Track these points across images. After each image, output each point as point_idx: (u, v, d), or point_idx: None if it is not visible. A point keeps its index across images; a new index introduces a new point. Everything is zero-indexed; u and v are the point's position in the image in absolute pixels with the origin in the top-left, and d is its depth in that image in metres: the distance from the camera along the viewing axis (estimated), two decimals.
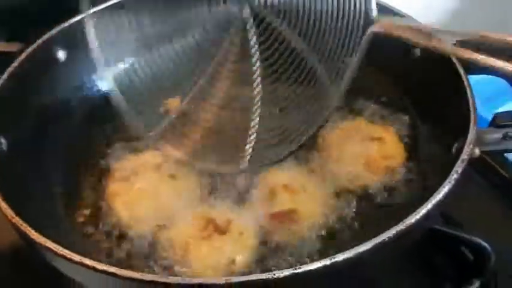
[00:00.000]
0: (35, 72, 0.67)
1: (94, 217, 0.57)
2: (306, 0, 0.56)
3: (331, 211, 0.56)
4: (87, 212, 0.58)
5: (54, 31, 0.70)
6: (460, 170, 0.46)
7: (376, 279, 0.56)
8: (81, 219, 0.58)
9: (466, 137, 0.49)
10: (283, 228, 0.53)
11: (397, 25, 0.49)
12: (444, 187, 0.45)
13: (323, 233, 0.54)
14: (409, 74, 0.65)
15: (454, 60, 0.58)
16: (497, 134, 0.52)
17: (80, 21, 0.72)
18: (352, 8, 0.52)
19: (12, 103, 0.62)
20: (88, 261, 0.40)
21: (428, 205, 0.43)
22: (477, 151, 0.51)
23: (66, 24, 0.71)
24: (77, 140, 0.67)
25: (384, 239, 0.40)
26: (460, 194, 0.66)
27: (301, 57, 0.57)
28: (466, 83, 0.55)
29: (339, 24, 0.53)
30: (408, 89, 0.66)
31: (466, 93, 0.54)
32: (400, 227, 0.41)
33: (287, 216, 0.54)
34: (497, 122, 0.51)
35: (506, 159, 0.73)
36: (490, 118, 0.85)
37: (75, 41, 0.72)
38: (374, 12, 0.51)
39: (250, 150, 0.55)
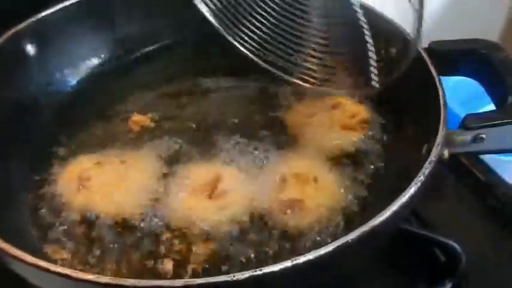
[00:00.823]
0: (3, 67, 0.65)
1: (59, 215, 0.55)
2: None
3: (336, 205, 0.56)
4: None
5: (23, 24, 0.68)
6: (426, 172, 0.45)
7: (347, 280, 0.56)
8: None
9: (435, 138, 0.49)
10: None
11: None
12: (410, 189, 0.44)
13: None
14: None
15: (427, 60, 0.58)
16: (467, 136, 0.51)
17: (51, 15, 0.71)
18: None
19: None
20: (42, 263, 0.39)
21: (393, 207, 0.42)
22: (446, 153, 0.50)
23: (35, 17, 0.69)
24: (43, 139, 0.65)
25: (347, 241, 0.40)
26: (434, 194, 0.67)
27: None
28: (438, 83, 0.55)
29: None
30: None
31: (437, 94, 0.54)
32: (364, 229, 0.40)
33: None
34: (466, 123, 0.51)
35: (481, 160, 0.74)
36: None
37: (46, 34, 0.71)
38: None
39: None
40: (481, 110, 0.90)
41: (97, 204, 0.53)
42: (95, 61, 0.75)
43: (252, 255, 0.50)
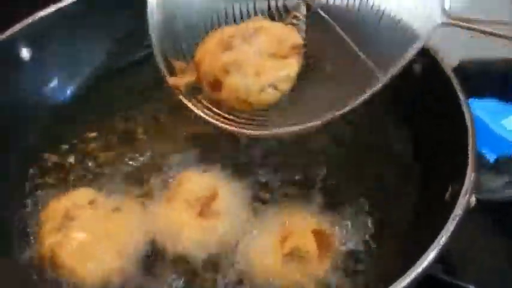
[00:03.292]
0: None
1: None
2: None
3: None
4: None
5: (17, 27, 0.64)
6: (452, 228, 0.40)
7: None
8: None
9: (462, 184, 0.43)
10: None
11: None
12: (432, 251, 0.39)
13: None
14: (405, 94, 0.58)
15: (455, 83, 0.51)
16: (499, 181, 0.45)
17: (48, 16, 0.66)
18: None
19: None
20: None
21: (412, 274, 0.37)
22: (474, 200, 0.45)
23: (31, 19, 0.64)
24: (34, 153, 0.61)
25: None
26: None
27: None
28: (467, 115, 0.48)
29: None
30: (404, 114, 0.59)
31: (465, 126, 0.47)
32: None
33: None
34: (499, 167, 0.45)
35: None
36: (497, 131, 0.79)
37: (42, 38, 0.66)
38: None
39: None
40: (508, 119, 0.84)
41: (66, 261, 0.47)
42: (94, 66, 0.70)
43: None
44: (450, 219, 0.40)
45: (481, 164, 0.46)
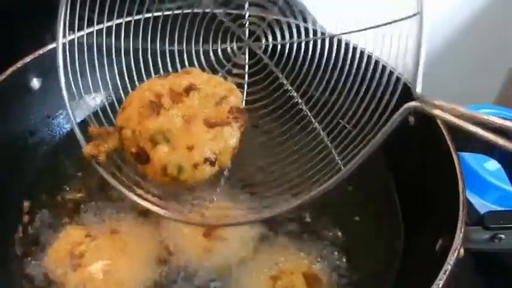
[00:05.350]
0: (6, 100, 0.63)
1: None
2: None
3: None
4: None
5: (28, 58, 0.65)
6: (441, 284, 0.42)
7: None
8: None
9: (452, 239, 0.46)
10: None
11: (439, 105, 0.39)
12: None
13: None
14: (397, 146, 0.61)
15: (449, 141, 0.54)
16: (486, 235, 0.48)
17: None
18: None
19: None
20: None
21: None
22: (462, 251, 0.48)
23: (42, 51, 0.66)
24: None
25: None
26: None
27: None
28: (458, 171, 0.52)
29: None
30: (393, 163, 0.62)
31: (456, 183, 0.51)
32: None
33: None
34: (486, 223, 0.48)
35: None
36: (481, 173, 0.83)
37: (51, 69, 0.68)
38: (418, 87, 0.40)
39: None
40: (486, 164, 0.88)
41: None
42: (101, 98, 0.72)
43: None
44: (440, 274, 0.43)
45: (469, 217, 0.49)
